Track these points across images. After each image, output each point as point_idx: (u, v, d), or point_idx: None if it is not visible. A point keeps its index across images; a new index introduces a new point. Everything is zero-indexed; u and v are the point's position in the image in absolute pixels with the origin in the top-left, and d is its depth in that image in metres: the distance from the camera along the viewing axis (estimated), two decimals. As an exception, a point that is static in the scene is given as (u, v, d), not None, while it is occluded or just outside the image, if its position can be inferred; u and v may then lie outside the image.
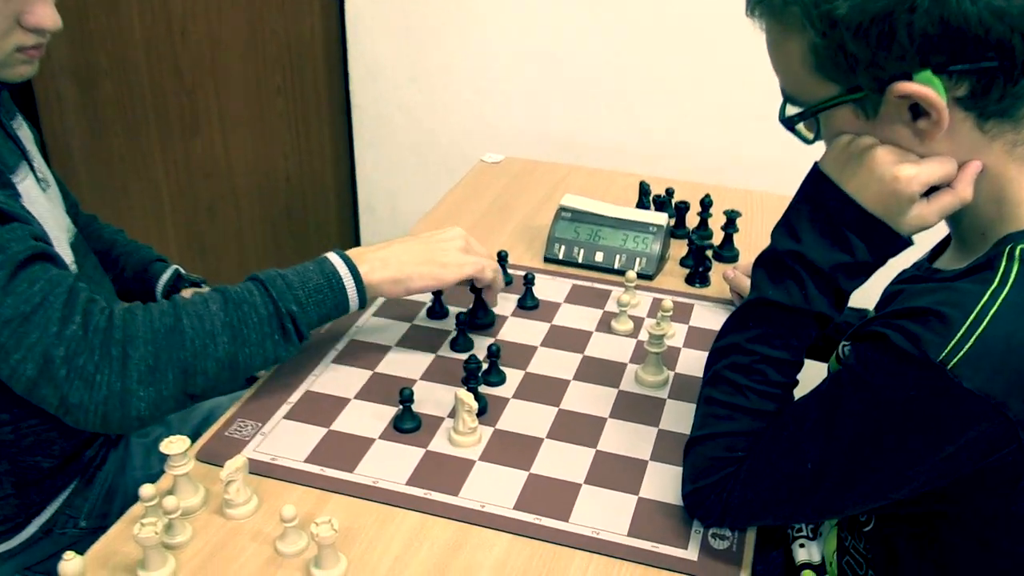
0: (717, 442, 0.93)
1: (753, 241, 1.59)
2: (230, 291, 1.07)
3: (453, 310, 1.36)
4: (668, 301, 1.28)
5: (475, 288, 1.30)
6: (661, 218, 1.48)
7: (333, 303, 1.10)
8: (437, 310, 1.35)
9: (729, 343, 0.96)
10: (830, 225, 0.88)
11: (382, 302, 1.38)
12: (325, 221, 2.56)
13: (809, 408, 0.89)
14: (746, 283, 1.34)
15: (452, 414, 1.14)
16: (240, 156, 2.39)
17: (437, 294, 1.34)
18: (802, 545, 1.09)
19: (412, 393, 1.11)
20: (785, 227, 0.92)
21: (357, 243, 2.65)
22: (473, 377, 1.13)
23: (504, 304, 1.39)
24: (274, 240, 2.48)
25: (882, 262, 0.89)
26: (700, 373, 1.23)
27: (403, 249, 1.16)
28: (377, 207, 2.54)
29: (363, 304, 1.13)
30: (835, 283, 0.89)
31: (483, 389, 1.17)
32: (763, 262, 0.94)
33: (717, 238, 1.57)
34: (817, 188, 0.90)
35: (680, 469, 1.05)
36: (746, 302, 0.95)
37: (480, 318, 1.32)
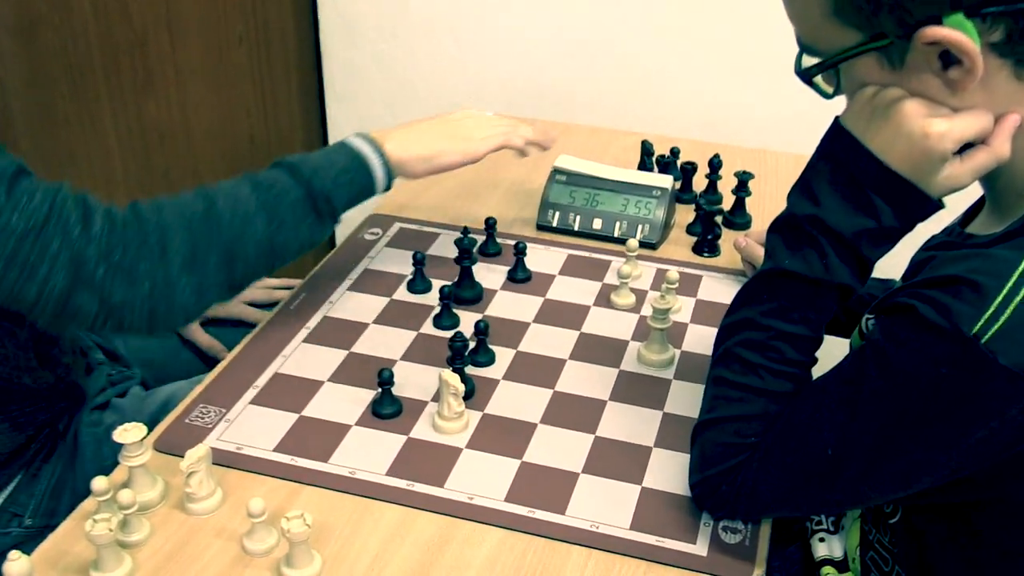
0: (728, 426, 0.93)
1: (767, 206, 1.59)
2: (258, 176, 1.08)
3: (436, 283, 1.36)
4: (673, 272, 1.28)
5: (461, 257, 1.30)
6: (666, 180, 1.47)
7: (360, 184, 1.13)
8: (419, 283, 1.34)
9: (741, 318, 0.95)
10: (853, 187, 0.88)
11: (358, 274, 1.38)
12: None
13: (829, 388, 0.88)
14: (759, 252, 1.33)
15: (436, 398, 1.14)
16: (198, 115, 2.37)
17: (418, 264, 1.33)
18: (822, 539, 1.10)
19: (392, 375, 1.10)
20: (803, 189, 0.92)
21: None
22: (459, 357, 1.13)
23: (492, 277, 1.38)
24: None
25: (910, 227, 0.89)
26: (709, 351, 1.22)
27: (426, 127, 1.18)
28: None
29: (389, 185, 1.15)
30: (858, 251, 0.89)
31: (470, 370, 1.17)
32: (779, 228, 0.94)
33: (727, 203, 1.57)
34: (838, 146, 0.89)
35: (687, 456, 1.05)
36: (760, 272, 0.94)
37: (466, 292, 1.31)
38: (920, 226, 0.90)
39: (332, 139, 2.49)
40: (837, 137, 0.89)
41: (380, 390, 1.11)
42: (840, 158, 0.89)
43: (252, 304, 1.51)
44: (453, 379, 1.07)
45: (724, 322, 0.98)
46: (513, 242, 1.45)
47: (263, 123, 2.43)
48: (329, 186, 1.09)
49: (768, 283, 0.94)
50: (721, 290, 1.37)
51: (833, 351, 1.02)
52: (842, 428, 0.86)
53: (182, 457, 1.02)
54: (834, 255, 0.90)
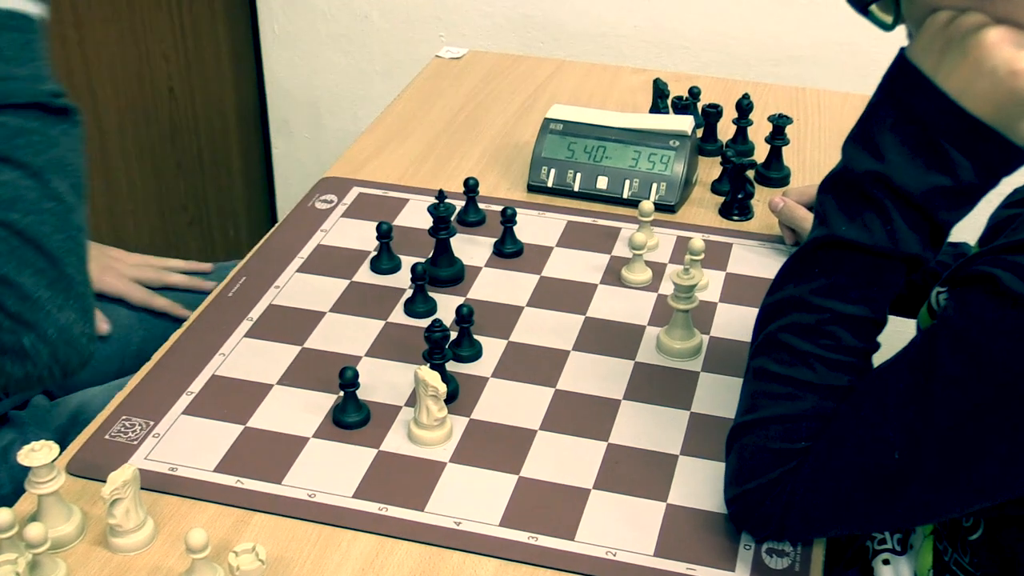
0: (773, 429, 0.94)
1: (809, 156, 1.59)
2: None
3: (407, 261, 1.35)
4: (698, 240, 1.28)
5: (437, 228, 1.30)
6: (685, 125, 1.48)
7: None
8: (385, 261, 1.34)
9: (787, 297, 0.96)
10: (923, 137, 0.88)
11: (309, 251, 1.38)
12: (224, 147, 2.54)
13: (894, 378, 0.89)
14: (802, 215, 1.34)
15: (411, 401, 1.14)
16: (103, 60, 2.35)
17: (384, 238, 1.33)
18: (887, 562, 1.11)
19: (356, 374, 1.10)
20: (861, 140, 0.92)
21: (268, 175, 2.64)
22: (438, 350, 1.13)
23: (475, 251, 1.38)
24: (155, 176, 2.46)
25: (992, 183, 0.89)
26: (743, 336, 1.24)
27: None
28: (294, 126, 2.52)
29: None
30: (930, 214, 0.90)
31: (452, 366, 1.17)
32: (832, 187, 0.94)
33: (760, 154, 1.57)
34: (903, 86, 0.89)
35: (721, 465, 1.05)
36: (810, 241, 0.95)
37: (444, 270, 1.32)
38: (1003, 181, 0.91)
39: (270, 91, 2.48)
40: (902, 75, 0.89)
41: (342, 394, 1.11)
42: (906, 101, 0.89)
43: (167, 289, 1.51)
44: (432, 378, 1.07)
45: (766, 302, 0.98)
46: (499, 208, 1.44)
47: (185, 71, 2.41)
48: None
49: (820, 255, 0.94)
50: (756, 261, 1.37)
51: (897, 334, 1.03)
52: (911, 426, 0.87)
53: (103, 482, 1.01)
54: (901, 220, 0.90)
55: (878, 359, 0.95)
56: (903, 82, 0.89)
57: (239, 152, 2.58)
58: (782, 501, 0.93)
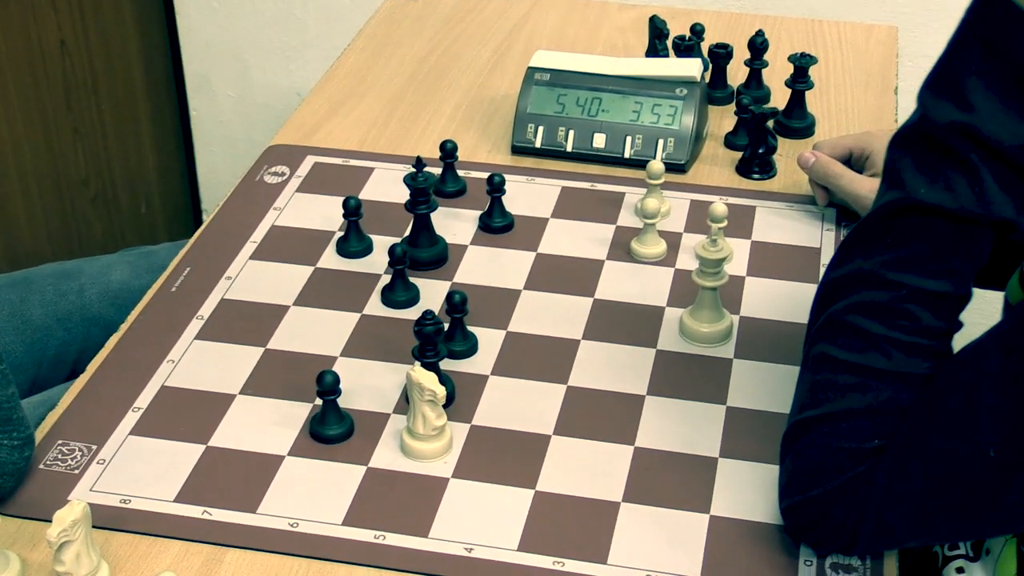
0: (841, 426, 0.93)
1: (834, 101, 1.59)
2: None
3: (379, 241, 1.34)
4: (720, 205, 1.26)
5: (416, 201, 1.28)
6: (692, 70, 1.46)
7: None
8: (353, 242, 1.32)
9: (855, 272, 0.95)
10: (1018, 80, 0.87)
11: (262, 235, 1.36)
12: (130, 109, 2.50)
13: (985, 362, 0.88)
14: (837, 171, 1.33)
15: (401, 407, 1.13)
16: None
17: (352, 215, 1.31)
18: (960, 570, 1.10)
19: (337, 379, 1.09)
20: (943, 86, 0.91)
21: (186, 142, 2.60)
22: (431, 346, 1.11)
23: (458, 226, 1.37)
24: (48, 146, 2.41)
25: None
26: (780, 315, 1.24)
27: None
28: (215, 83, 2.48)
29: None
30: None
31: (445, 364, 1.16)
32: (908, 143, 0.93)
33: (780, 99, 1.56)
34: (994, 21, 0.88)
35: (767, 467, 1.05)
36: (882, 207, 0.94)
37: (424, 251, 1.30)
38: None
39: (185, 38, 2.44)
40: (991, 7, 0.88)
41: (321, 402, 1.09)
42: (997, 39, 0.88)
43: None
44: (428, 380, 1.06)
45: (828, 278, 0.97)
46: (480, 174, 1.42)
47: (79, 20, 2.37)
48: None
49: (894, 222, 0.93)
50: (784, 226, 1.36)
51: (978, 310, 1.02)
52: (1008, 418, 0.86)
53: (43, 520, 0.99)
54: (991, 179, 0.89)
55: (959, 340, 0.95)
56: (992, 16, 0.88)
57: (149, 115, 2.54)
58: (853, 510, 0.92)
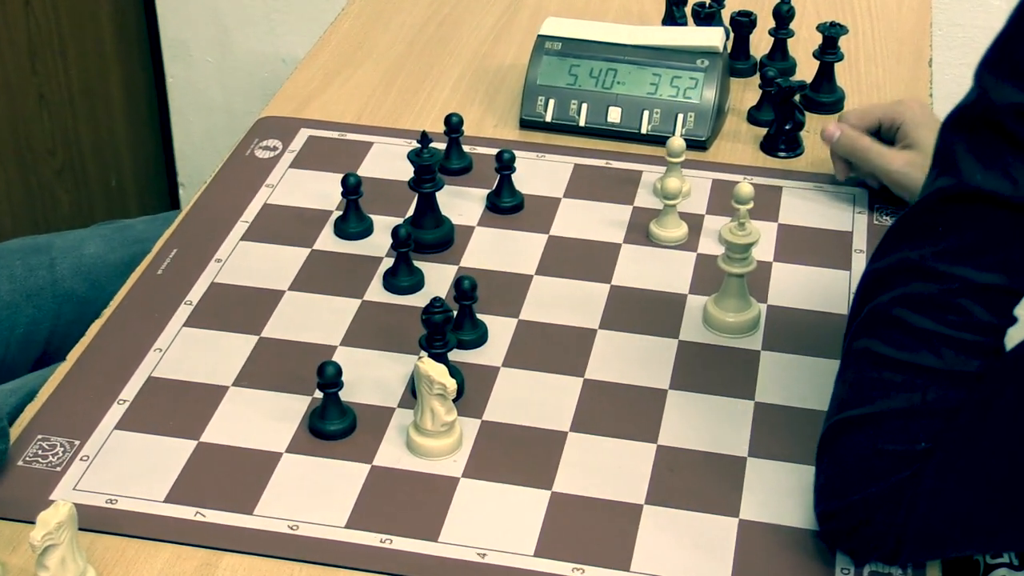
0: (885, 427, 0.93)
1: (864, 74, 1.59)
2: None
3: (380, 221, 1.34)
4: (746, 185, 1.27)
5: (420, 179, 1.28)
6: (715, 40, 1.46)
7: None
8: (353, 222, 1.33)
9: (902, 262, 0.95)
10: None
11: (254, 214, 1.36)
12: (100, 74, 2.49)
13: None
14: (865, 144, 1.33)
15: (406, 401, 1.13)
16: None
17: (351, 194, 1.31)
18: (1004, 579, 1.12)
19: (339, 370, 1.09)
20: (1003, 65, 0.90)
21: (162, 110, 2.59)
22: (440, 336, 1.12)
23: (464, 206, 1.37)
24: (10, 113, 2.41)
25: None
26: (810, 304, 1.25)
27: None
28: (193, 47, 2.47)
29: None
30: None
31: (454, 355, 1.16)
32: (963, 125, 0.93)
33: (807, 72, 1.56)
34: None
35: (800, 468, 1.05)
36: (933, 193, 0.94)
37: (428, 232, 1.30)
38: None
39: (163, 10, 2.43)
40: None
41: (322, 395, 1.10)
42: None
43: None
44: (437, 372, 1.06)
45: (872, 267, 0.98)
46: (485, 150, 1.43)
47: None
48: None
49: (946, 210, 0.93)
50: (812, 208, 1.37)
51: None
52: (1065, 419, 0.86)
53: (22, 522, 0.99)
54: None
55: (1013, 335, 0.95)
56: None
57: (121, 80, 2.53)
58: (897, 517, 0.93)
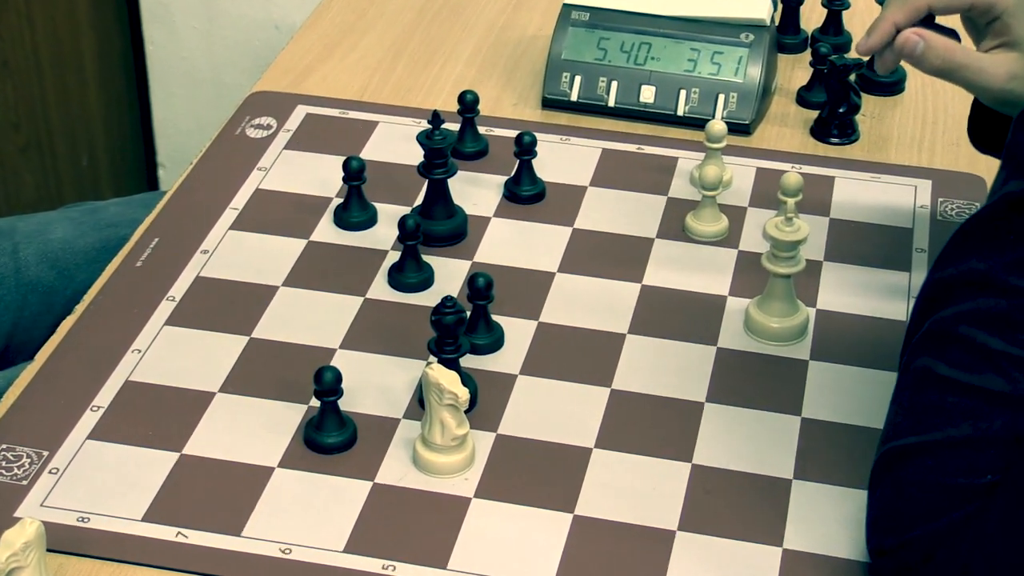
0: (948, 457, 0.93)
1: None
2: None
3: (384, 210, 1.34)
4: (794, 175, 1.27)
5: (431, 165, 1.29)
6: (761, 11, 1.46)
7: None
8: (355, 211, 1.33)
9: (968, 273, 0.95)
10: None
11: (245, 200, 1.37)
12: (72, 41, 2.50)
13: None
14: (962, 60, 1.18)
15: (413, 412, 1.14)
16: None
17: (354, 179, 1.32)
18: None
19: (339, 377, 1.09)
20: None
21: (140, 82, 2.60)
22: (452, 339, 1.12)
23: (479, 194, 1.38)
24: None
25: None
26: (859, 309, 1.25)
27: None
28: (175, 10, 2.49)
29: None
30: None
31: (466, 361, 1.16)
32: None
33: (862, 49, 1.57)
34: None
35: (852, 493, 1.05)
36: (1002, 198, 0.93)
37: (440, 224, 1.31)
38: None
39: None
40: None
41: (319, 404, 1.10)
42: None
43: None
44: (449, 380, 1.06)
45: (934, 278, 0.98)
46: (505, 132, 1.42)
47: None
48: None
49: (1017, 216, 0.93)
50: (869, 202, 1.37)
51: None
52: None
53: (-9, 540, 1.00)
54: None
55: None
56: None
57: (93, 47, 2.54)
58: (959, 556, 0.92)
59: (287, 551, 1.03)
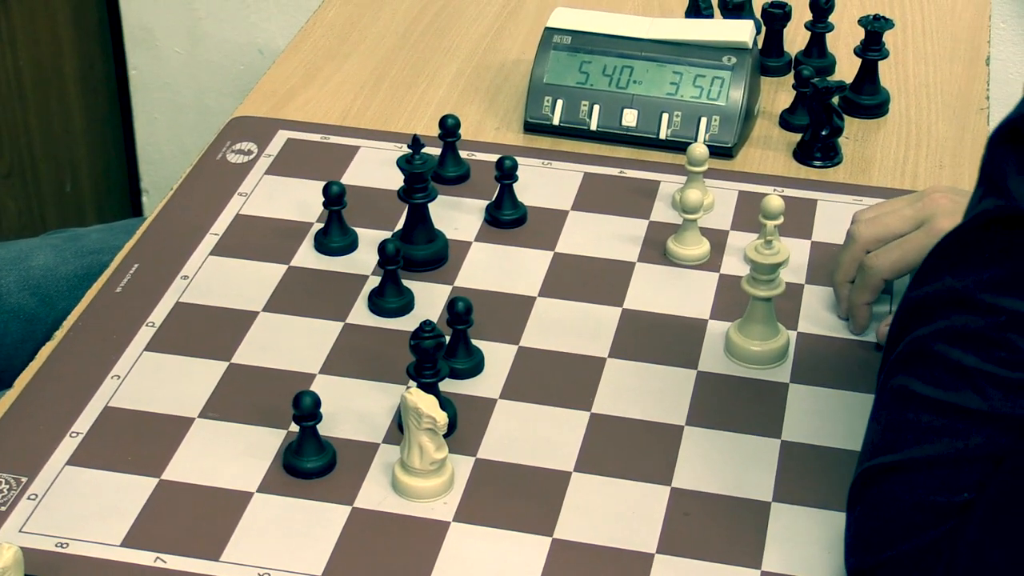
0: (922, 475, 0.94)
1: (912, 73, 1.61)
2: None
3: (365, 235, 1.35)
4: (775, 199, 1.28)
5: (411, 189, 1.30)
6: (744, 34, 1.48)
7: None
8: (335, 236, 1.34)
9: (943, 291, 0.95)
10: None
11: (225, 225, 1.37)
12: (55, 65, 2.50)
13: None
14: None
15: (392, 437, 1.15)
16: None
17: (334, 204, 1.33)
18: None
19: (317, 401, 1.11)
20: None
21: (124, 106, 2.60)
22: (430, 363, 1.13)
23: (461, 219, 1.39)
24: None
25: None
26: (840, 332, 1.26)
27: None
28: (159, 36, 2.49)
29: None
30: None
31: (446, 385, 1.17)
32: (1013, 138, 0.93)
33: (847, 71, 1.58)
34: None
35: (831, 516, 1.06)
36: (977, 216, 0.94)
37: (420, 248, 1.32)
38: None
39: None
40: None
41: (298, 429, 1.11)
42: None
43: None
44: (427, 404, 1.07)
45: (910, 296, 0.98)
46: (486, 156, 1.44)
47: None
48: None
49: (993, 234, 0.93)
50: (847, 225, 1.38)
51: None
52: None
53: (-34, 566, 1.00)
54: None
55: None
56: None
57: (77, 72, 2.54)
58: (936, 575, 0.94)
59: (266, 575, 1.03)
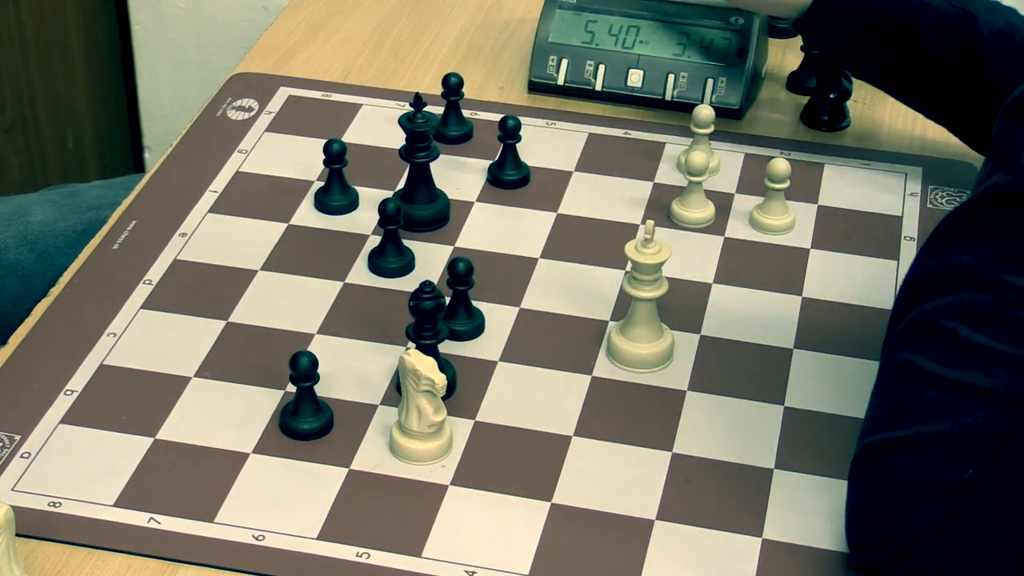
0: (929, 452, 0.94)
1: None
2: None
3: (366, 193, 1.35)
4: (781, 161, 1.28)
5: (413, 148, 1.29)
6: (750, -2, 1.47)
7: None
8: (336, 194, 1.34)
9: (951, 266, 0.95)
10: None
11: (225, 183, 1.37)
12: (56, 19, 2.49)
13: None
14: None
15: (390, 398, 1.14)
16: None
17: (335, 162, 1.32)
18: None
19: (315, 362, 1.10)
20: None
21: (126, 62, 2.60)
22: (430, 324, 1.12)
23: (463, 178, 1.38)
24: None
25: None
26: (845, 297, 1.25)
27: None
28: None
29: None
30: None
31: (446, 347, 1.17)
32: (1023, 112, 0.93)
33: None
34: None
35: (833, 483, 1.06)
36: (987, 190, 0.94)
37: (421, 208, 1.31)
38: None
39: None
40: None
41: (295, 390, 1.11)
42: None
43: None
44: (425, 366, 1.07)
45: (917, 270, 0.98)
46: (489, 116, 1.43)
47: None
48: None
49: (1004, 210, 0.93)
50: (858, 189, 1.37)
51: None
52: None
53: (-42, 524, 1.00)
54: None
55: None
56: None
57: (80, 27, 2.53)
58: (938, 552, 0.93)
59: (260, 537, 1.03)
